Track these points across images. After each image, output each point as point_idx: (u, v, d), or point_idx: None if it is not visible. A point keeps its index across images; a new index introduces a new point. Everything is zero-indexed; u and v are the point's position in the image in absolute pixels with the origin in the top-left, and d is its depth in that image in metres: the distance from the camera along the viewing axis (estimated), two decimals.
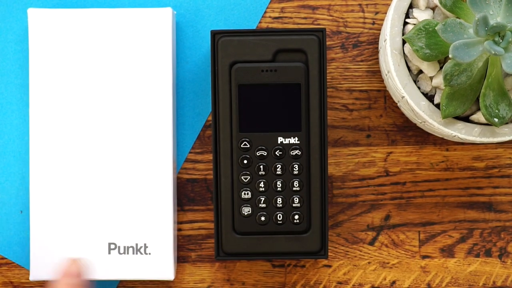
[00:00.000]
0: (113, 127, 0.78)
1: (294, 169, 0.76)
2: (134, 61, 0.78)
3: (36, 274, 0.78)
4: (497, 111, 0.71)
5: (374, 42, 0.80)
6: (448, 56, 0.69)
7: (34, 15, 0.77)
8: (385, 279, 0.81)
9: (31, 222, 0.78)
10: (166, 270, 0.78)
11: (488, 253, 0.81)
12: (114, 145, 0.78)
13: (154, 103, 0.78)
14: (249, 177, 0.76)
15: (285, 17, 0.80)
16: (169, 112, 0.77)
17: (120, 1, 0.80)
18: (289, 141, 0.76)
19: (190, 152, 0.81)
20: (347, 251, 0.81)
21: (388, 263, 0.81)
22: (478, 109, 0.73)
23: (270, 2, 0.80)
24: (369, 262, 0.81)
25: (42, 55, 0.78)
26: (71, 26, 0.77)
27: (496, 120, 0.71)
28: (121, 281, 0.81)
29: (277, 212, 0.76)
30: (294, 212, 0.76)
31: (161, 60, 0.77)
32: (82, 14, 0.77)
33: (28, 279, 0.81)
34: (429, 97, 0.73)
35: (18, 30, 0.80)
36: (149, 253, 0.78)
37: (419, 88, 0.73)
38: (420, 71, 0.73)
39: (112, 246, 0.78)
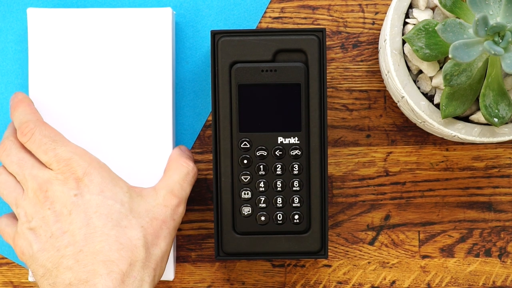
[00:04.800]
0: (113, 127, 0.78)
1: (294, 169, 0.76)
2: (134, 61, 0.77)
3: None
4: (496, 111, 0.71)
5: (374, 42, 0.80)
6: (448, 56, 0.69)
7: (34, 14, 0.77)
8: (385, 279, 0.81)
9: None
10: (166, 270, 0.78)
11: (487, 253, 0.81)
12: (114, 145, 0.78)
13: (154, 103, 0.77)
14: (249, 177, 0.76)
15: (285, 17, 0.80)
16: (169, 112, 0.77)
17: (120, 1, 0.80)
18: (289, 141, 0.76)
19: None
20: (347, 251, 0.81)
21: (388, 263, 0.81)
22: (478, 109, 0.73)
23: (270, 2, 0.80)
24: (369, 262, 0.81)
25: (41, 55, 0.78)
26: (70, 26, 0.77)
27: (495, 120, 0.71)
28: None
29: (277, 212, 0.76)
30: (294, 212, 0.76)
31: (161, 60, 0.77)
32: (81, 13, 0.77)
33: (30, 282, 0.81)
34: (429, 97, 0.73)
35: (17, 29, 0.80)
36: None
37: (419, 88, 0.73)
38: (420, 71, 0.73)
39: None
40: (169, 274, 0.78)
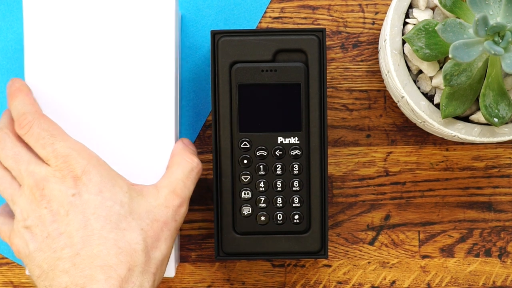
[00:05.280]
0: (114, 120, 0.76)
1: (294, 169, 0.76)
2: (136, 52, 0.75)
3: None
4: (496, 111, 0.71)
5: (374, 42, 0.80)
6: (448, 56, 0.69)
7: (30, 1, 0.75)
8: (385, 279, 0.81)
9: None
10: (167, 267, 0.78)
11: (488, 253, 0.81)
12: (115, 138, 0.76)
13: (156, 95, 0.75)
14: (249, 177, 0.76)
15: (285, 17, 0.80)
16: (171, 104, 0.75)
17: None
18: (289, 141, 0.76)
19: None
20: (347, 251, 0.81)
21: (388, 263, 0.81)
22: (478, 109, 0.73)
23: (270, 2, 0.80)
24: (369, 262, 0.81)
25: (38, 44, 0.75)
26: (69, 14, 0.75)
27: (495, 120, 0.71)
28: None
29: (277, 212, 0.76)
30: (294, 212, 0.76)
31: (164, 50, 0.75)
32: (80, 1, 0.75)
33: (29, 279, 0.81)
34: (429, 97, 0.73)
35: (17, 27, 0.80)
36: None
37: (419, 88, 0.73)
38: (420, 71, 0.73)
39: None
40: (170, 271, 0.77)
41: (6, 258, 0.81)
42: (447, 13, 0.72)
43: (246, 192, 0.76)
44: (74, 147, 0.71)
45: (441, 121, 0.73)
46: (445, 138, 0.78)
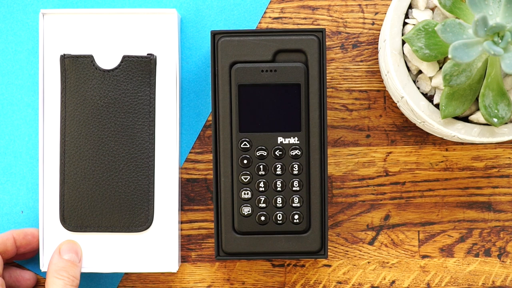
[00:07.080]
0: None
1: (294, 169, 0.76)
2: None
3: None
4: (496, 111, 0.71)
5: (373, 42, 0.81)
6: (447, 56, 0.69)
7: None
8: (384, 278, 0.81)
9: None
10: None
11: (487, 253, 0.81)
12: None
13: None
14: (249, 177, 0.76)
15: (285, 17, 0.80)
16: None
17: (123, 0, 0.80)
18: (289, 141, 0.76)
19: (190, 152, 0.81)
20: (347, 251, 0.81)
21: (387, 262, 0.81)
22: (478, 109, 0.73)
23: (270, 2, 0.80)
24: (368, 262, 0.81)
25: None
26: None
27: (495, 120, 0.71)
28: (121, 281, 0.81)
29: (277, 212, 0.76)
30: (294, 212, 0.76)
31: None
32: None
33: (28, 279, 0.81)
34: (429, 97, 0.73)
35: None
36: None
37: (418, 88, 0.73)
38: (420, 71, 0.73)
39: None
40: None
41: None
42: (447, 13, 0.72)
43: (246, 192, 0.76)
44: None
45: (441, 121, 0.73)
46: (444, 138, 0.78)
